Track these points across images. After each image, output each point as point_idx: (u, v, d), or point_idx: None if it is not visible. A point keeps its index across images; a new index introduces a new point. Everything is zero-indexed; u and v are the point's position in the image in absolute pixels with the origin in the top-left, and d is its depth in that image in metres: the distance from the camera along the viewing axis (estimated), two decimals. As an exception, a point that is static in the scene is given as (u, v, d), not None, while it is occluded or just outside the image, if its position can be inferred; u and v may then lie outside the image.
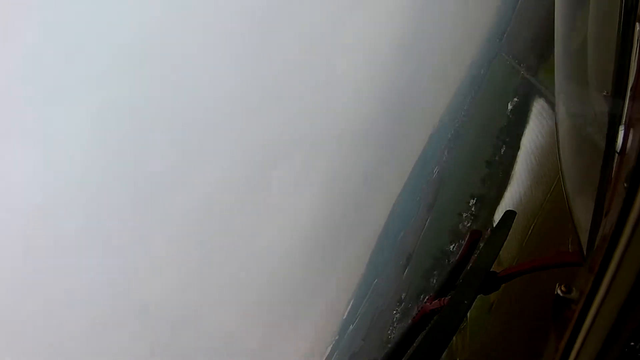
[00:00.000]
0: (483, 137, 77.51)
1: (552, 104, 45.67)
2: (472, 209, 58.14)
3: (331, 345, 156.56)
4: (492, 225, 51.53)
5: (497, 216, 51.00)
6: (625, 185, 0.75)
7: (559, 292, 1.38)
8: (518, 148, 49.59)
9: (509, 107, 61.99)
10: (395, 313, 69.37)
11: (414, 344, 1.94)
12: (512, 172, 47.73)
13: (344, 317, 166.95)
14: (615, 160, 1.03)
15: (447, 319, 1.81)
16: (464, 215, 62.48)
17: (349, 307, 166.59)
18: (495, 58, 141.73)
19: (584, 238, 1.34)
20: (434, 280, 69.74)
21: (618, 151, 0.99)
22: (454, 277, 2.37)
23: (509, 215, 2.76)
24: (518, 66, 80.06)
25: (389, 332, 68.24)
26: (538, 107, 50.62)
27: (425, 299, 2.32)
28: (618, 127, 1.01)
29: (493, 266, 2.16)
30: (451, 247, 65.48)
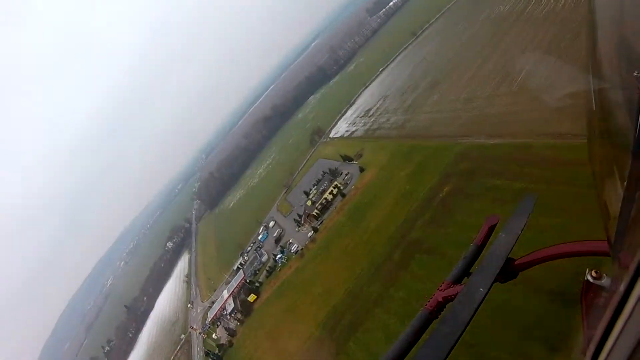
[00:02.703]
0: (141, 274, 78.87)
1: (195, 275, 52.37)
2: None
3: None
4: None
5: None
6: None
7: (589, 277, 1.43)
8: (152, 308, 53.65)
9: (167, 246, 67.28)
10: None
11: (427, 332, 1.82)
12: (139, 335, 50.25)
13: None
14: None
15: (461, 307, 1.71)
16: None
17: None
18: (192, 177, 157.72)
19: (612, 225, 1.25)
20: None
21: None
22: (469, 263, 2.25)
23: (528, 200, 2.57)
24: (196, 200, 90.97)
25: None
26: (181, 265, 57.68)
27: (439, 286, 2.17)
28: None
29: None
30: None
